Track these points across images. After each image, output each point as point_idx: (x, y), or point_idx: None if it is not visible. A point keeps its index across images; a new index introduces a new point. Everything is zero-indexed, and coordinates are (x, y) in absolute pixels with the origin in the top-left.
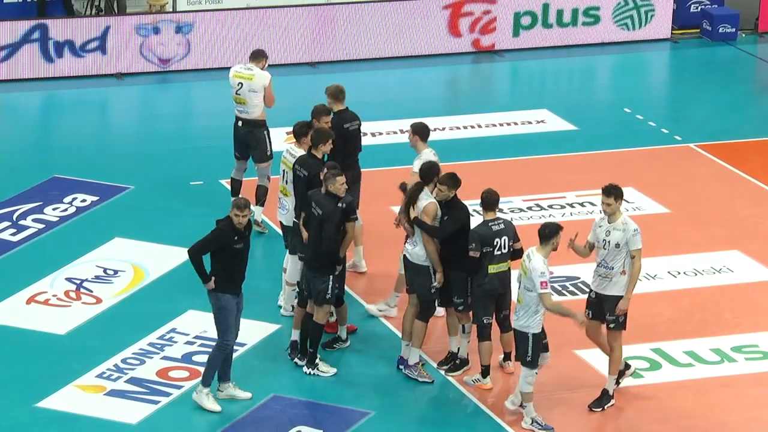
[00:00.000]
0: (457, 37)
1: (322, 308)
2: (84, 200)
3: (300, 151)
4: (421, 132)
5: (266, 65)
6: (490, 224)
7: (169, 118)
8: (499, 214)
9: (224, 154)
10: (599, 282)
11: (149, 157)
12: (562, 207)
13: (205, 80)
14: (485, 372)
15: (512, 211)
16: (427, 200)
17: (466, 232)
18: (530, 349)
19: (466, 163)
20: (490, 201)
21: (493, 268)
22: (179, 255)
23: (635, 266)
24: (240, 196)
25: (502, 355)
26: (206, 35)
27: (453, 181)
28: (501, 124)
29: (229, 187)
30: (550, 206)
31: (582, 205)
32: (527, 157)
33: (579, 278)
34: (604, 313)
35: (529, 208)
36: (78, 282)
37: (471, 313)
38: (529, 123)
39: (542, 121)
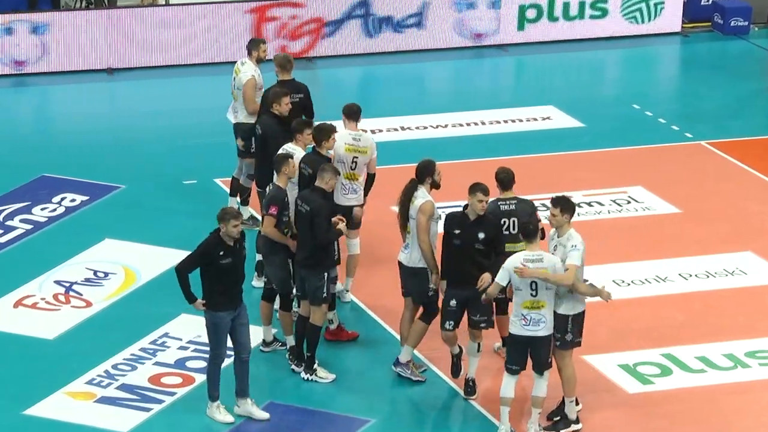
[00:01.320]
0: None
1: (318, 308)
2: (73, 200)
3: (297, 149)
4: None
5: (260, 55)
6: (499, 203)
7: (162, 114)
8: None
9: (219, 151)
10: None
11: (141, 155)
12: None
13: (209, 74)
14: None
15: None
16: (423, 199)
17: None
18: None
19: (469, 161)
20: (505, 180)
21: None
22: (172, 256)
23: (565, 277)
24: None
25: (499, 343)
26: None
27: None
28: (506, 121)
29: (226, 187)
30: None
31: (590, 204)
32: (533, 155)
33: (587, 281)
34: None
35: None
36: (67, 285)
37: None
38: (535, 120)
39: (548, 118)
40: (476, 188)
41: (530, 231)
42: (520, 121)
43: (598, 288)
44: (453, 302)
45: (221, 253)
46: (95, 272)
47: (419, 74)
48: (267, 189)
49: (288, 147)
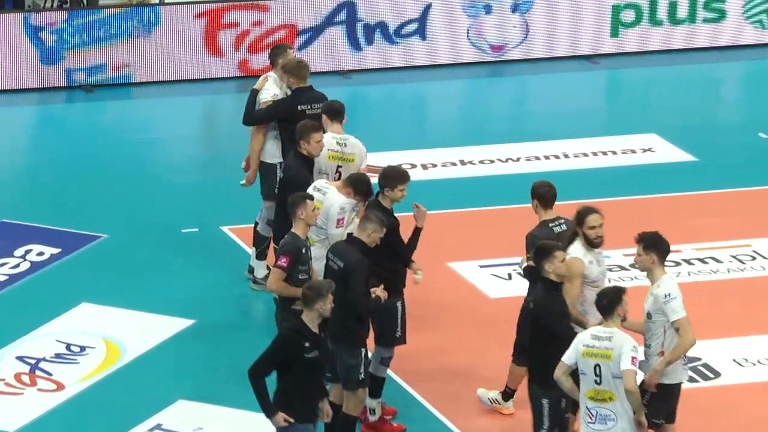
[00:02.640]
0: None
1: (354, 395)
2: (41, 253)
3: (330, 189)
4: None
5: (283, 62)
6: (550, 225)
7: (152, 144)
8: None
9: (230, 191)
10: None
11: (127, 194)
12: (677, 264)
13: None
14: (508, 395)
15: (610, 269)
16: (578, 255)
17: None
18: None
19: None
20: (549, 196)
21: None
22: (166, 326)
23: (683, 340)
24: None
25: (499, 393)
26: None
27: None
28: (595, 154)
29: (237, 237)
30: None
31: (703, 261)
32: (630, 198)
33: (700, 360)
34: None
35: (633, 266)
36: (33, 362)
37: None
38: (633, 152)
39: (650, 150)
40: (554, 248)
41: (605, 306)
42: (614, 153)
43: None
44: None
45: (307, 344)
46: (68, 346)
47: (423, 95)
48: None
49: (319, 184)
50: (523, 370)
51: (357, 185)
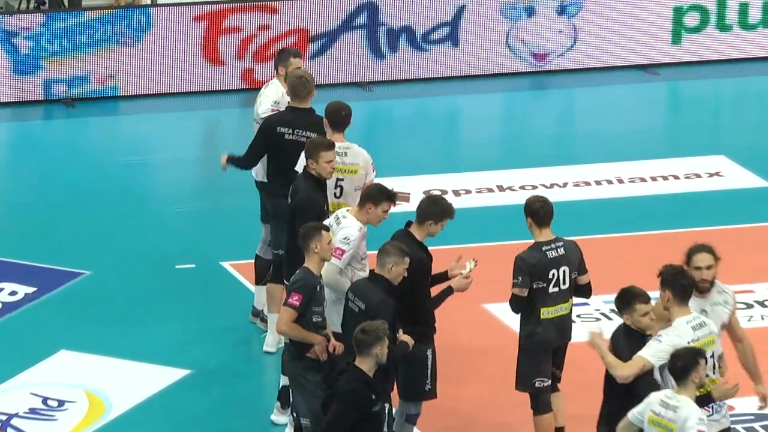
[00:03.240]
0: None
1: None
2: (14, 292)
3: (349, 220)
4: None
5: (286, 71)
6: (544, 248)
7: (142, 167)
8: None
9: (230, 223)
10: None
11: (113, 226)
12: (749, 306)
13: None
14: None
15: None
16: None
17: None
18: None
19: (597, 238)
20: (543, 212)
21: (547, 312)
22: (156, 377)
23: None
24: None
25: None
26: None
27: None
28: (654, 179)
29: (238, 273)
30: None
31: None
32: (693, 229)
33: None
34: None
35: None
36: (4, 418)
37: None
38: (697, 176)
39: (717, 174)
40: (636, 299)
41: (678, 370)
42: (676, 178)
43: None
44: None
45: (373, 396)
46: (45, 400)
47: (455, 111)
48: None
49: (341, 213)
50: None
51: (374, 195)
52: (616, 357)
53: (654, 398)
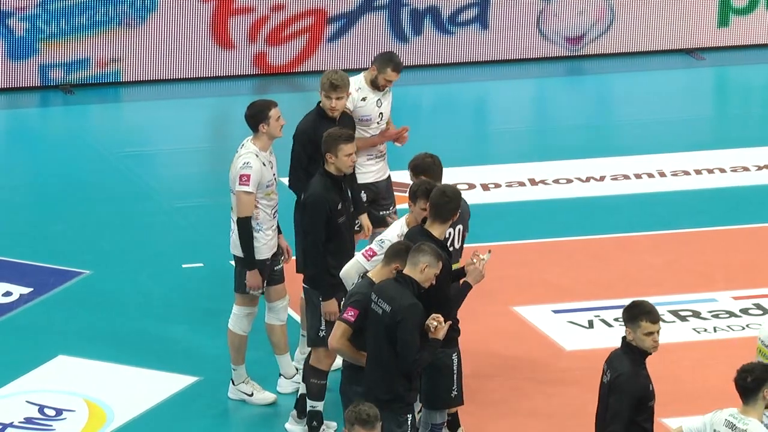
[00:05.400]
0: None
1: None
2: (8, 293)
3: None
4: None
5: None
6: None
7: (146, 158)
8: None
9: None
10: None
11: (115, 223)
12: None
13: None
14: None
15: (715, 315)
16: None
17: None
18: None
19: (636, 235)
20: (423, 166)
21: None
22: (163, 385)
23: None
24: None
25: None
26: None
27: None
28: (699, 172)
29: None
30: None
31: None
32: (740, 226)
33: None
34: None
35: (745, 311)
36: None
37: None
38: (745, 169)
39: (767, 167)
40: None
41: (748, 387)
42: (722, 171)
43: None
44: None
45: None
46: (42, 408)
47: (484, 98)
48: None
49: (389, 236)
50: None
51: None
52: (613, 375)
53: (718, 417)
